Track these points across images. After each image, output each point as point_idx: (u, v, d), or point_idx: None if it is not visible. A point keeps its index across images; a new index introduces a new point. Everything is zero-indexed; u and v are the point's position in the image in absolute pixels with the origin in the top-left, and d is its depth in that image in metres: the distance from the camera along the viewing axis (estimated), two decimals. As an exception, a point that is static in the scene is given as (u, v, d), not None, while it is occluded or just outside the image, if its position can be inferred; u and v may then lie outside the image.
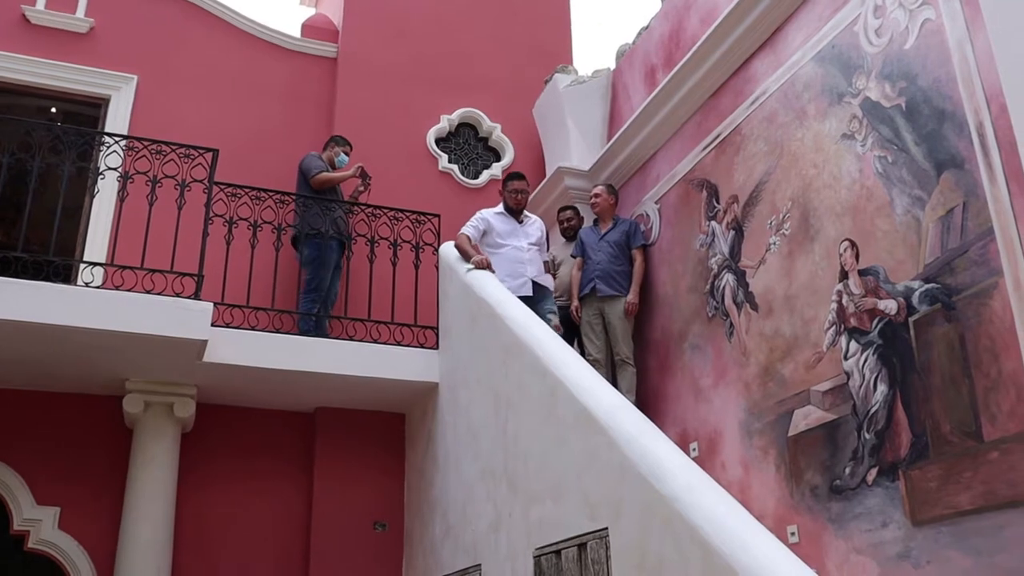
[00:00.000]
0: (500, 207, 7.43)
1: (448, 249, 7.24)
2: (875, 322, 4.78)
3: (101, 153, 6.67)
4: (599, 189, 7.46)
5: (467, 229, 7.13)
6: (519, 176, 7.49)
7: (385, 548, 7.27)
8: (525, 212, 7.49)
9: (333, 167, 7.89)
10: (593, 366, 6.10)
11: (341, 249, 7.64)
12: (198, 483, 7.05)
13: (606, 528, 4.02)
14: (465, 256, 6.83)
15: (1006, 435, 3.94)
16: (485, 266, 6.64)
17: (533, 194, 8.49)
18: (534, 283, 7.04)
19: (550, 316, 6.85)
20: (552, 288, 7.27)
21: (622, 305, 6.94)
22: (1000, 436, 3.97)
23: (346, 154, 8.03)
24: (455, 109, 9.21)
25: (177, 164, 6.55)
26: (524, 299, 6.46)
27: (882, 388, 4.68)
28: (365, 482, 7.39)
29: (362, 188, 7.85)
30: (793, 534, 5.11)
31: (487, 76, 9.45)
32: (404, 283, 7.37)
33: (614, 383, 6.64)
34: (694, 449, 6.15)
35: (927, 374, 4.42)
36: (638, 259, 7.12)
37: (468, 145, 9.24)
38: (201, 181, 6.58)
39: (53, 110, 8.53)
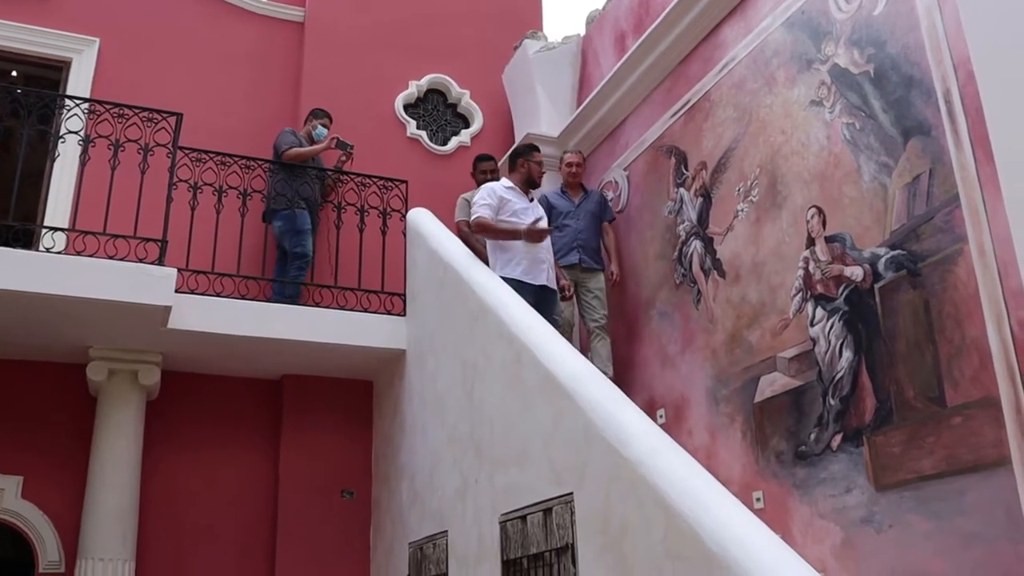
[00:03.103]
0: (506, 181, 6.69)
1: (416, 215, 7.20)
2: (841, 289, 4.79)
3: (62, 117, 6.55)
4: (579, 158, 7.31)
5: (482, 211, 6.33)
6: (539, 148, 6.89)
7: (353, 515, 7.27)
8: (531, 193, 6.73)
9: (311, 141, 7.81)
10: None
11: (313, 219, 7.59)
12: (164, 451, 7.02)
13: (571, 493, 4.02)
14: (508, 234, 6.26)
15: (968, 401, 3.96)
16: (544, 231, 6.26)
17: (501, 160, 8.44)
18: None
19: (557, 319, 6.31)
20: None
21: (602, 277, 6.90)
22: (962, 402, 3.99)
23: (324, 127, 7.92)
24: (424, 75, 9.11)
25: (140, 128, 6.45)
26: (539, 288, 6.20)
27: (847, 354, 4.69)
28: (332, 450, 7.38)
29: (344, 158, 7.77)
30: (759, 499, 5.14)
31: (456, 42, 9.35)
32: (371, 249, 7.32)
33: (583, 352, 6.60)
34: (661, 416, 6.17)
35: (892, 340, 4.43)
36: (611, 233, 7.07)
37: (437, 111, 9.15)
38: (165, 145, 6.49)
39: (14, 73, 8.37)
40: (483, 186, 6.70)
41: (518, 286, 5.89)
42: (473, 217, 6.40)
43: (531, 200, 6.61)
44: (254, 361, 7.17)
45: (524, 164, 6.66)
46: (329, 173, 7.74)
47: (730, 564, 2.95)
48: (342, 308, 7.06)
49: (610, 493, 3.71)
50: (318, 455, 7.30)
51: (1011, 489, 3.70)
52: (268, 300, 7.08)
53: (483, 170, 7.67)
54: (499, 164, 7.93)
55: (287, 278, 7.32)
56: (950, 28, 4.28)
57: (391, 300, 7.19)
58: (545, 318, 5.23)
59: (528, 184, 6.63)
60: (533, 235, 6.18)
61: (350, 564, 7.11)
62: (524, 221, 6.30)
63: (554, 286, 6.43)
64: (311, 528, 7.09)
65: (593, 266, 6.92)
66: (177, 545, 6.87)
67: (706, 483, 3.36)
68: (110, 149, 6.31)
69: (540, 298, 6.10)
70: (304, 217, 7.43)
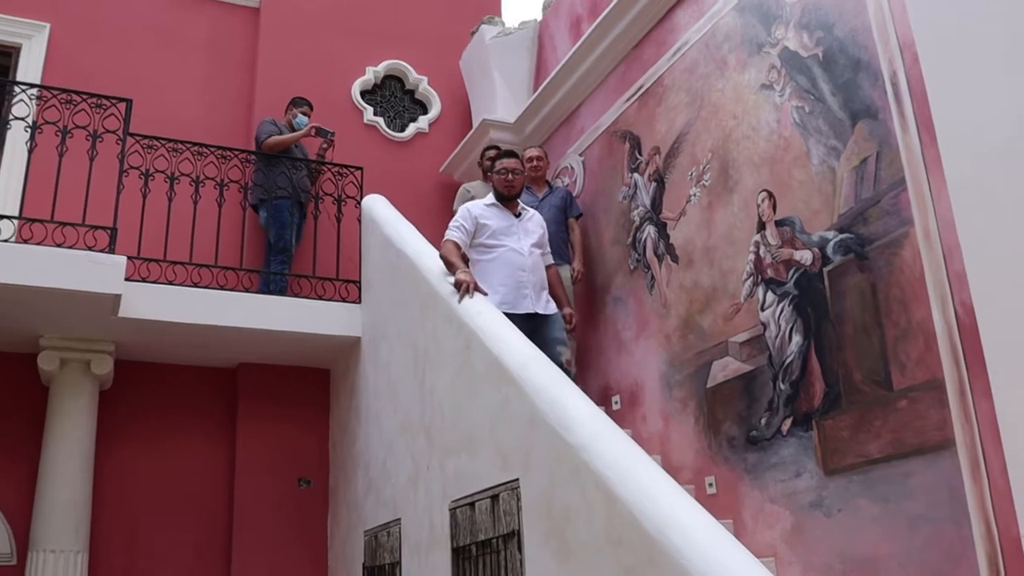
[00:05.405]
0: (490, 197, 6.04)
1: (371, 201, 7.14)
2: (791, 272, 4.79)
3: (10, 103, 6.44)
4: (539, 152, 7.06)
5: (452, 233, 5.71)
6: (509, 153, 6.15)
7: (310, 504, 7.23)
8: (522, 204, 6.08)
9: (292, 130, 7.73)
10: None
11: (300, 209, 7.55)
12: (118, 441, 6.94)
13: (517, 479, 4.00)
14: (450, 269, 5.45)
15: (914, 384, 3.98)
16: (472, 289, 5.10)
17: (458, 148, 8.39)
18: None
19: (560, 349, 5.55)
20: (555, 308, 5.85)
21: (567, 273, 6.57)
22: (908, 385, 4.01)
23: (305, 115, 7.84)
24: (381, 61, 9.02)
25: (89, 114, 6.35)
26: (525, 317, 5.48)
27: (797, 339, 4.70)
28: (289, 438, 7.32)
29: (326, 145, 7.70)
30: (711, 485, 5.14)
31: (414, 27, 9.27)
32: (326, 236, 7.27)
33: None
34: (616, 402, 6.16)
35: (840, 324, 4.44)
36: (577, 229, 6.79)
37: (394, 98, 9.07)
38: (115, 132, 6.40)
39: (-37, 59, 8.24)
40: (461, 206, 6.08)
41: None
42: (443, 239, 5.74)
43: (518, 215, 5.94)
44: (209, 350, 7.09)
45: (490, 177, 6.18)
46: (316, 162, 7.69)
47: (669, 549, 2.94)
48: (297, 296, 7.00)
49: (554, 478, 3.69)
50: (275, 444, 7.24)
51: (955, 471, 3.72)
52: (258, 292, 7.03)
53: (490, 157, 7.15)
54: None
55: (269, 270, 7.29)
56: (896, 10, 4.28)
57: (346, 287, 7.14)
58: (539, 345, 4.67)
59: (500, 199, 5.95)
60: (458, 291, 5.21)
61: (307, 553, 7.07)
62: (505, 243, 5.76)
63: (547, 311, 5.74)
64: (268, 517, 7.04)
65: (557, 261, 6.50)
66: (131, 536, 6.79)
67: (647, 468, 3.33)
68: (58, 136, 6.21)
69: (529, 327, 5.33)
70: (287, 208, 7.38)
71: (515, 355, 4.27)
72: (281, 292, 7.12)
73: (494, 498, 4.20)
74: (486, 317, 4.72)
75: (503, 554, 4.07)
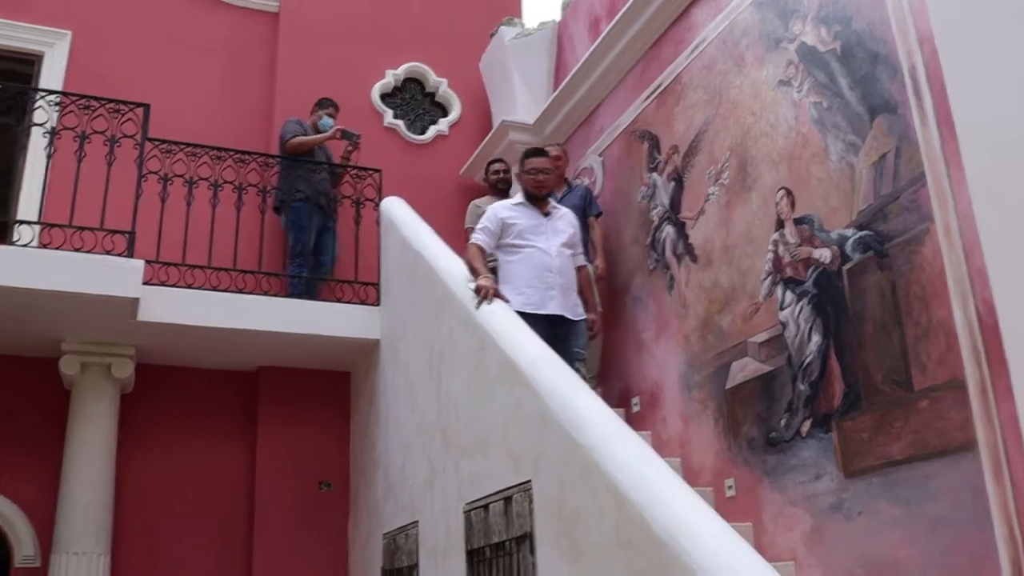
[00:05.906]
0: (519, 196, 5.88)
1: (389, 203, 7.13)
2: (810, 271, 4.72)
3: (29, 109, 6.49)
4: (559, 151, 6.90)
5: (477, 236, 5.58)
6: (538, 152, 5.98)
7: (331, 508, 7.22)
8: (552, 203, 5.87)
9: (317, 131, 7.74)
10: None
11: (321, 212, 7.52)
12: (139, 445, 6.97)
13: (529, 480, 3.96)
14: (472, 274, 5.32)
15: (935, 384, 3.89)
16: (491, 295, 4.97)
17: (478, 149, 8.36)
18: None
19: (578, 365, 5.21)
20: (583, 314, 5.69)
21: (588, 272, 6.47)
22: (929, 385, 3.92)
23: (330, 116, 7.85)
24: (401, 64, 9.00)
25: (107, 119, 6.37)
26: (550, 319, 5.33)
27: (816, 338, 4.62)
28: (311, 442, 7.32)
29: (351, 148, 7.70)
30: (730, 487, 5.07)
31: (434, 30, 9.24)
32: (345, 239, 7.26)
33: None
34: (636, 404, 6.09)
35: (860, 323, 4.36)
36: (597, 228, 6.64)
37: (414, 100, 9.05)
38: (132, 137, 6.42)
39: (-13, 67, 8.30)
40: (488, 207, 5.97)
41: (524, 319, 4.90)
42: (468, 243, 5.65)
43: (547, 215, 5.72)
44: (229, 353, 7.10)
45: (519, 175, 5.95)
46: (337, 166, 7.70)
47: (678, 552, 2.88)
48: (315, 298, 7.00)
49: (565, 480, 3.64)
50: (295, 447, 7.23)
51: (977, 472, 3.64)
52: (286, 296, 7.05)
53: (495, 171, 7.14)
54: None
55: (287, 273, 7.28)
56: (914, 3, 4.20)
57: (365, 290, 7.12)
58: (560, 353, 4.43)
59: (529, 198, 5.76)
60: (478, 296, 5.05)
61: (328, 556, 7.07)
62: (533, 243, 5.57)
63: (574, 315, 5.56)
64: (288, 521, 7.04)
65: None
66: (152, 538, 6.82)
67: (658, 470, 3.27)
68: (76, 141, 6.23)
69: (553, 330, 5.21)
70: (308, 211, 7.35)
71: (528, 356, 4.22)
72: (300, 295, 7.10)
73: (507, 500, 4.16)
74: (500, 318, 4.68)
75: (516, 556, 4.03)
